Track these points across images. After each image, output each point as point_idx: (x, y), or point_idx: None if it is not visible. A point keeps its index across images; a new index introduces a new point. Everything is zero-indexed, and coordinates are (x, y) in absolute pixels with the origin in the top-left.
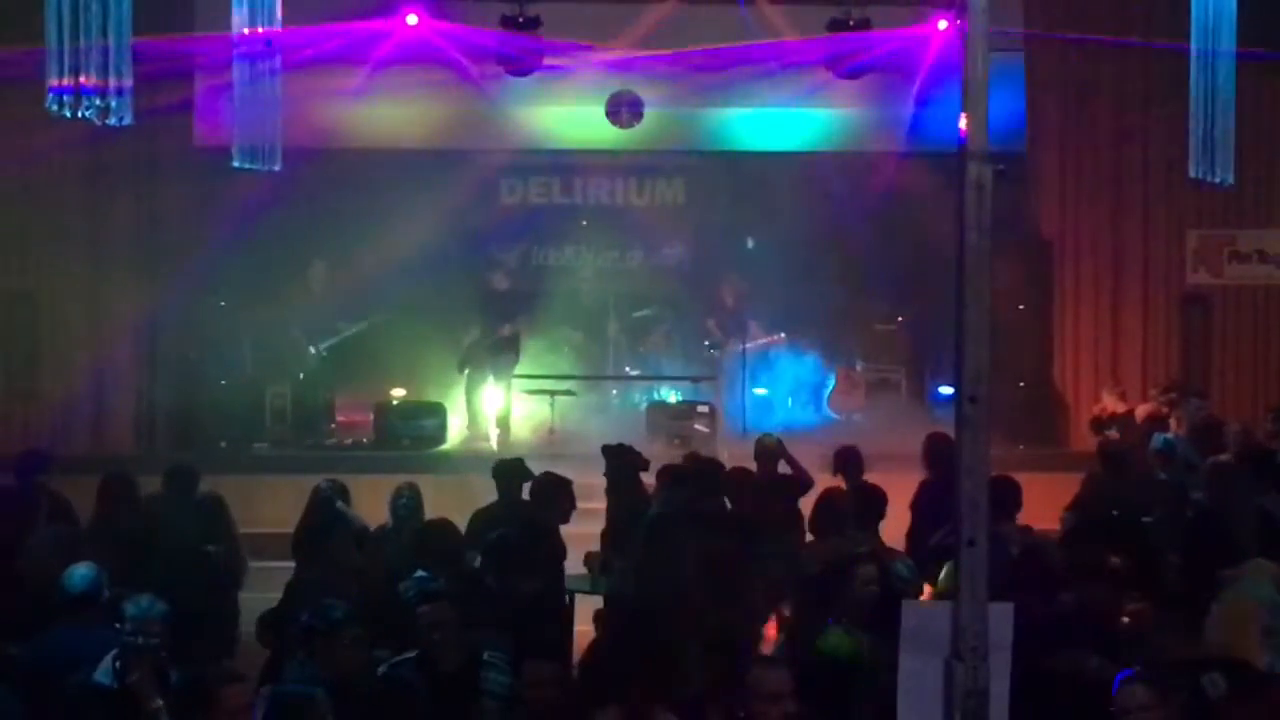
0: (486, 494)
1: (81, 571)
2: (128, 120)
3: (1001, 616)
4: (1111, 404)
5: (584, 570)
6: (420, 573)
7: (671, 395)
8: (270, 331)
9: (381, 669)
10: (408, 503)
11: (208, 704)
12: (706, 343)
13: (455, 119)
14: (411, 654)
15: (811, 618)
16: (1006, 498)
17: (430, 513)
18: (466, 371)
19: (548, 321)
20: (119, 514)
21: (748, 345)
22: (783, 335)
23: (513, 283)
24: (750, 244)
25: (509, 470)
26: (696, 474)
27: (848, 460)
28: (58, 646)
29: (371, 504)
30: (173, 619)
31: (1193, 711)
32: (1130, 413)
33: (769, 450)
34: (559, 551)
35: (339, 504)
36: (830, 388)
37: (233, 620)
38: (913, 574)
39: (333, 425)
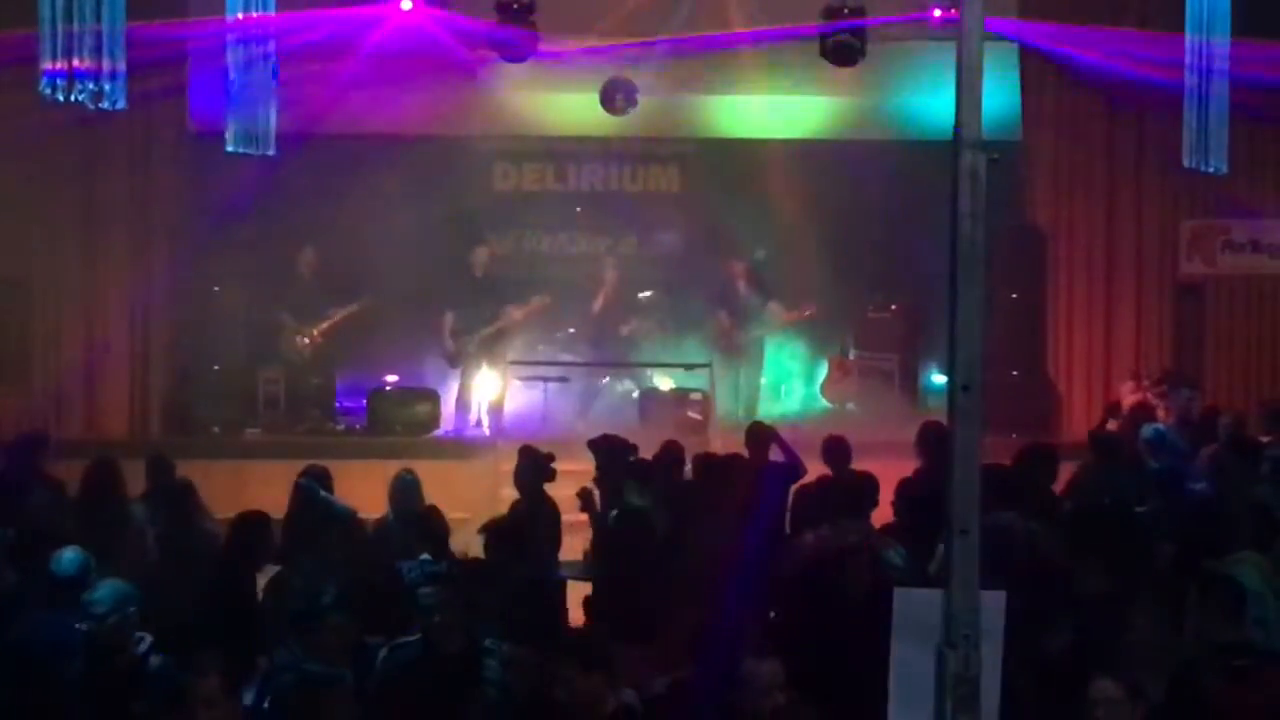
0: (479, 481)
1: (70, 555)
2: (121, 104)
3: (993, 604)
4: (1125, 394)
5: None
6: (424, 555)
7: (665, 382)
8: (264, 317)
9: (383, 652)
10: (407, 489)
11: (181, 695)
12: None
13: (449, 105)
14: (414, 637)
15: (802, 607)
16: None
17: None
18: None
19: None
20: (104, 500)
21: (777, 323)
22: (810, 311)
23: (496, 269)
24: (761, 255)
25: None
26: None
27: (835, 450)
28: (45, 631)
29: (364, 490)
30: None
31: (1187, 701)
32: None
33: (761, 436)
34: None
35: (323, 494)
36: (823, 376)
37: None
38: (905, 562)
39: (336, 410)
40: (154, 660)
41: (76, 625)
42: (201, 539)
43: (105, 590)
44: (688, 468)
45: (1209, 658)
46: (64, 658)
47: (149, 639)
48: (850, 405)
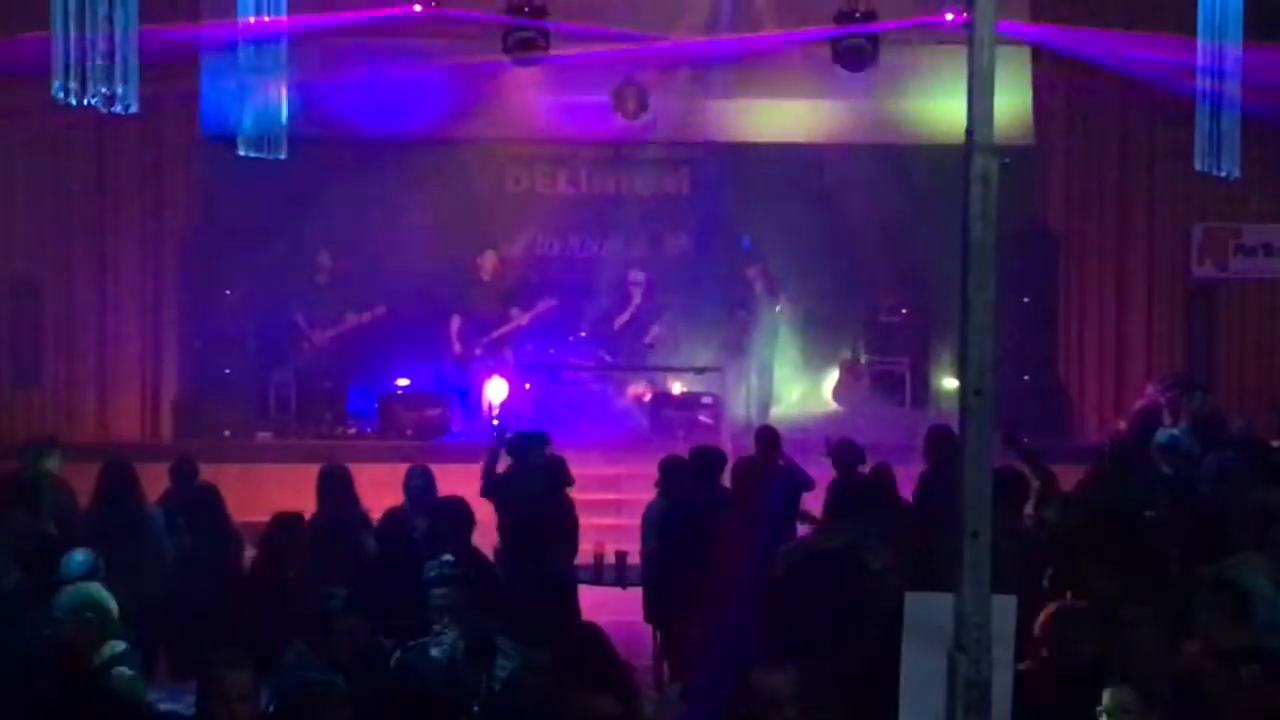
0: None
1: (79, 557)
2: (134, 108)
3: (1004, 608)
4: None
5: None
6: (446, 557)
7: (676, 386)
8: (275, 320)
9: (396, 654)
10: (422, 484)
11: (206, 687)
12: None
13: (460, 108)
14: (425, 639)
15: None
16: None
17: None
18: (470, 365)
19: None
20: (116, 504)
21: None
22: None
23: (506, 273)
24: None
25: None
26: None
27: (843, 453)
28: (17, 636)
29: (375, 493)
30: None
31: (1195, 707)
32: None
33: (768, 441)
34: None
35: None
36: (834, 380)
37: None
38: (883, 565)
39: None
40: (116, 671)
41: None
42: (227, 541)
43: (65, 596)
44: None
45: (1215, 663)
46: (36, 665)
47: (122, 647)
48: (860, 409)
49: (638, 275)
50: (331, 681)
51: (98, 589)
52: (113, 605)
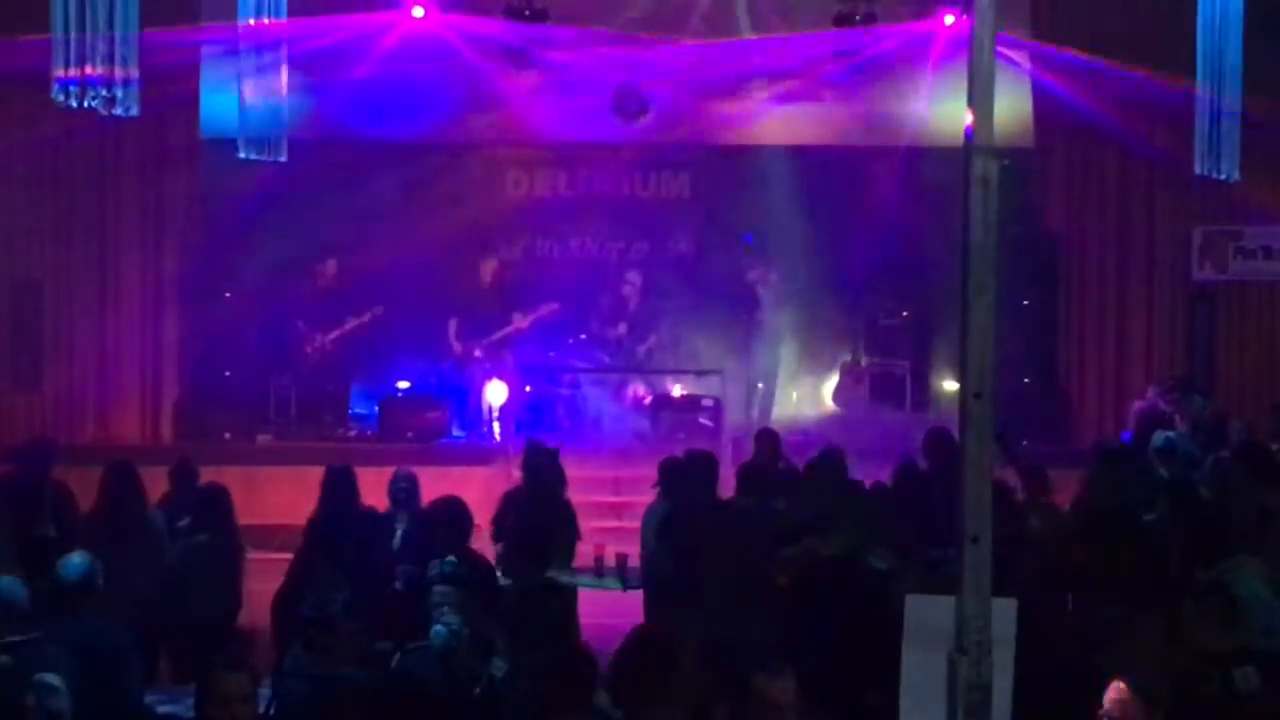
0: (490, 487)
1: (75, 560)
2: (134, 111)
3: (1005, 611)
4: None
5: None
6: (450, 558)
7: (676, 389)
8: (275, 322)
9: (396, 658)
10: (407, 488)
11: (205, 690)
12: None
13: (461, 111)
14: (424, 642)
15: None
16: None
17: None
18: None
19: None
20: (120, 505)
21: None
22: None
23: (506, 276)
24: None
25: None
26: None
27: (825, 459)
28: (51, 636)
29: (376, 496)
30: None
31: (1187, 707)
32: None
33: (768, 443)
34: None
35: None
36: (834, 382)
37: (233, 611)
38: (890, 565)
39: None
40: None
41: None
42: (235, 543)
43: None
44: None
45: (1207, 666)
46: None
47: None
48: (860, 411)
49: (634, 277)
50: (350, 678)
51: (7, 581)
52: (19, 597)
